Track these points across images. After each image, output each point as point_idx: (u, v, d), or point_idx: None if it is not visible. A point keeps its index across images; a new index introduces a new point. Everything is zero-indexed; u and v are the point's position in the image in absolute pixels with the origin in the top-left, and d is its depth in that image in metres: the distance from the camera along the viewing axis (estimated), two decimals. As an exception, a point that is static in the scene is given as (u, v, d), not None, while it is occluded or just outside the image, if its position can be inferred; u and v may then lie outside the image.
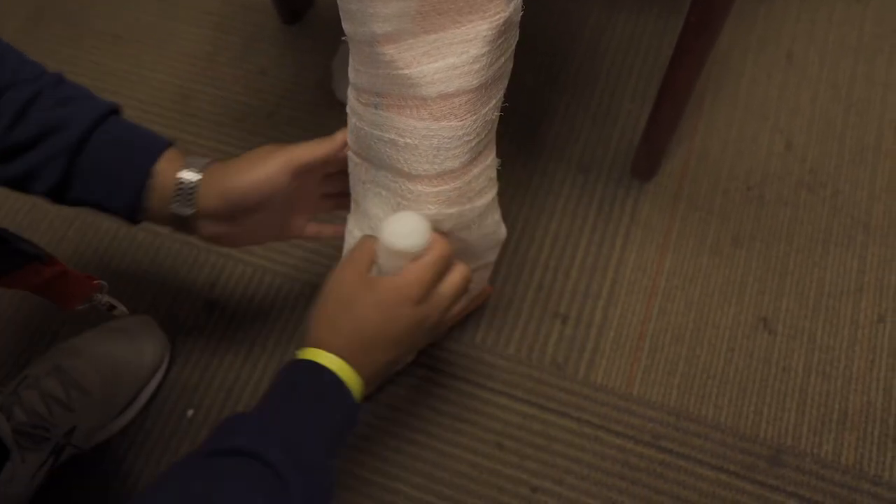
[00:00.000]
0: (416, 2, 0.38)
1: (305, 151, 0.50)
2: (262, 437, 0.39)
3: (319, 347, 0.44)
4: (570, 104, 0.83)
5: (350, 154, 0.53)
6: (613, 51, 0.86)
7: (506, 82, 0.47)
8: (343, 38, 0.47)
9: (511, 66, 0.46)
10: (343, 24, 0.43)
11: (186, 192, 0.47)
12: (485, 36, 0.40)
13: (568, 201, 0.77)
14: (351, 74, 0.47)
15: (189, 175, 0.47)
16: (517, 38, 0.45)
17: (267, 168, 0.48)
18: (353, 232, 0.58)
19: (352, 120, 0.49)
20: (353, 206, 0.57)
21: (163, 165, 0.47)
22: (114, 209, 0.48)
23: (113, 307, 0.54)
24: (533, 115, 0.80)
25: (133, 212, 0.48)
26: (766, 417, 0.65)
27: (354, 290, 0.45)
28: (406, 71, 0.42)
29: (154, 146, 0.48)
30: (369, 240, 0.48)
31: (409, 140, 0.46)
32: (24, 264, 0.44)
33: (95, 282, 0.50)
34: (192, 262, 0.76)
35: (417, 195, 0.49)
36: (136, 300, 0.74)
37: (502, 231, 0.59)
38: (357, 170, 0.53)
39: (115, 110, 0.48)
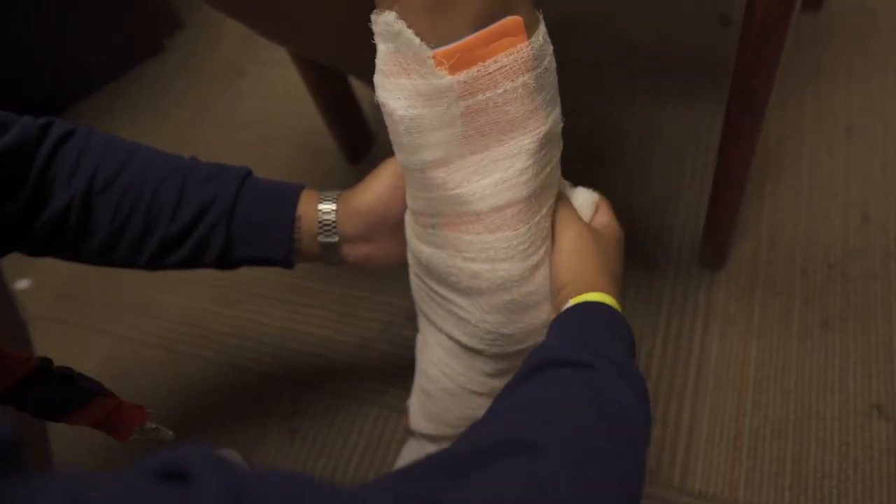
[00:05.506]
0: (460, 128, 0.42)
1: None
2: (563, 348, 0.41)
3: (596, 291, 0.47)
4: (625, 199, 0.84)
5: (412, 276, 0.56)
6: (663, 146, 0.88)
7: (554, 191, 0.49)
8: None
9: (557, 174, 0.48)
10: (397, 155, 0.47)
11: (328, 221, 0.54)
12: (528, 149, 0.43)
13: (636, 300, 0.76)
14: (408, 200, 0.51)
15: (326, 206, 0.54)
16: (561, 148, 0.47)
17: (384, 178, 0.53)
18: (426, 347, 0.59)
19: (412, 240, 0.52)
20: (421, 322, 0.59)
21: (303, 207, 0.54)
22: (272, 259, 0.54)
23: (158, 430, 0.58)
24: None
25: (288, 255, 0.54)
26: (902, 520, 0.58)
27: (601, 240, 0.51)
28: (458, 191, 0.44)
29: (291, 192, 0.54)
30: (568, 206, 0.52)
31: (466, 254, 0.48)
32: (90, 400, 0.48)
33: (147, 412, 0.54)
34: (272, 392, 0.79)
35: (474, 306, 0.50)
36: (221, 432, 0.77)
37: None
38: (421, 289, 0.55)
39: (249, 172, 0.55)
